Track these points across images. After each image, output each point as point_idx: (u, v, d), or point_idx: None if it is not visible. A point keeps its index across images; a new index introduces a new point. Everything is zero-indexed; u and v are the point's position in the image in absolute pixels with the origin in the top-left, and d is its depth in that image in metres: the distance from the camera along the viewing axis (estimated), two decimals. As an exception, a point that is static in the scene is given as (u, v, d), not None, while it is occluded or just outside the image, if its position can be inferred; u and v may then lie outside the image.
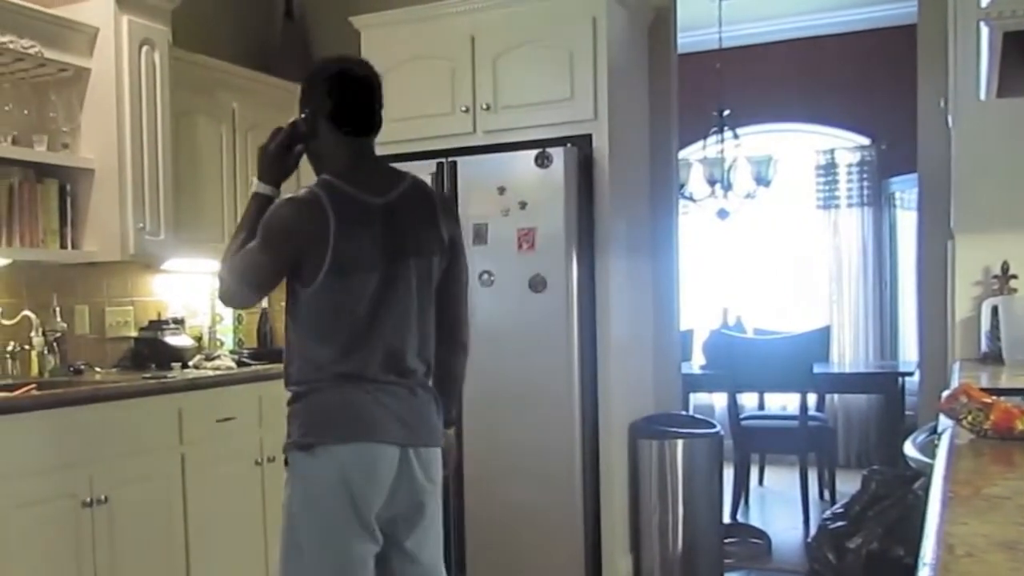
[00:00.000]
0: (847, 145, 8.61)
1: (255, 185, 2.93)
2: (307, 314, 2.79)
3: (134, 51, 4.73)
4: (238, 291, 2.88)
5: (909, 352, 8.26)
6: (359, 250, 2.74)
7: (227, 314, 5.71)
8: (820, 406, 7.53)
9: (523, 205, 4.78)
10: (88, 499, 3.95)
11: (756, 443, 6.94)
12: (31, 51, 4.41)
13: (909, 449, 3.10)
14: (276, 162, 2.91)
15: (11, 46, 4.33)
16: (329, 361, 2.76)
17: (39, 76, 4.65)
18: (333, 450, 2.72)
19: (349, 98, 2.86)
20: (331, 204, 2.73)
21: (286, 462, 2.83)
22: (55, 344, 4.71)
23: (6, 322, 4.53)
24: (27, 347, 4.62)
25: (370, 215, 2.78)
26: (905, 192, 8.28)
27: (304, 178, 3.00)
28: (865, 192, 8.56)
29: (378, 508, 2.77)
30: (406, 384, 2.82)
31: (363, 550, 2.77)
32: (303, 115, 2.87)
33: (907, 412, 7.10)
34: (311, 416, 2.78)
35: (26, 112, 4.61)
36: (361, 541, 2.76)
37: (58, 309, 4.78)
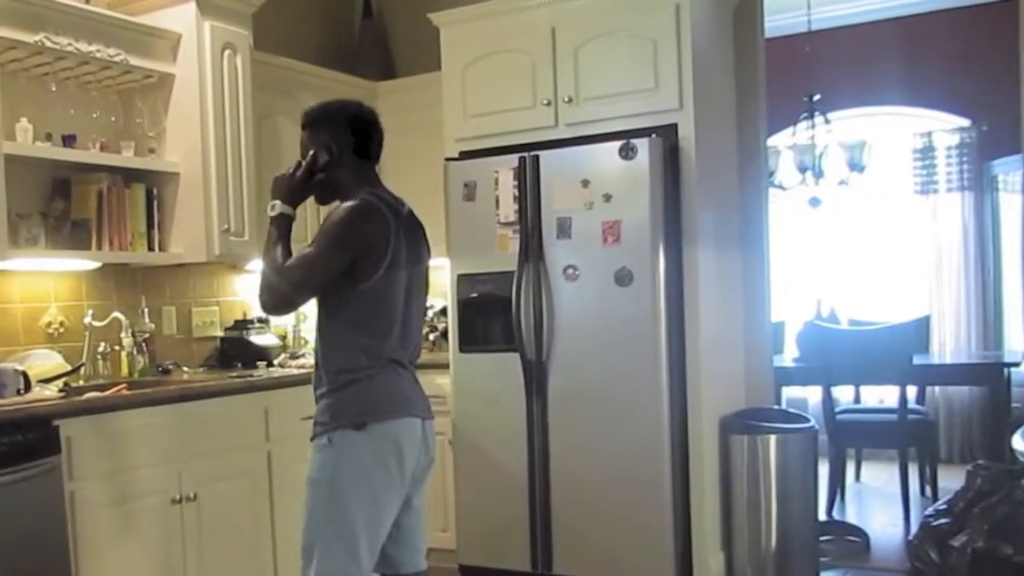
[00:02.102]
0: (945, 127, 8.48)
1: (279, 207, 3.35)
2: (359, 307, 3.23)
3: (216, 56, 4.89)
4: (293, 297, 3.27)
5: (1014, 341, 8.18)
6: (401, 250, 3.27)
7: (311, 313, 5.84)
8: (920, 399, 7.45)
9: (607, 198, 4.80)
10: (177, 496, 4.11)
11: (852, 438, 6.86)
12: (117, 59, 4.58)
13: (1018, 442, 3.07)
14: (302, 188, 3.38)
15: (98, 55, 4.50)
16: (382, 347, 3.26)
17: (125, 83, 4.82)
18: (388, 425, 3.24)
19: (370, 132, 3.43)
20: (386, 209, 3.27)
21: (329, 441, 3.21)
22: (144, 344, 4.88)
23: (97, 324, 4.72)
24: (117, 348, 4.80)
25: (400, 223, 3.30)
26: (1008, 175, 8.17)
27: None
28: (965, 175, 8.43)
29: (413, 470, 3.31)
30: (413, 367, 3.41)
31: (397, 506, 3.32)
32: (329, 147, 3.34)
33: (1013, 404, 7.02)
34: (368, 397, 3.24)
35: (113, 119, 4.78)
36: (399, 498, 3.31)
37: (146, 310, 4.96)
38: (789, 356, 7.44)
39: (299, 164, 3.36)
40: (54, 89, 4.52)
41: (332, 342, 3.29)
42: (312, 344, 5.70)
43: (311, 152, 3.34)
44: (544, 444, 4.98)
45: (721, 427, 5.09)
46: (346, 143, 3.36)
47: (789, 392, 7.83)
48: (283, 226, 3.32)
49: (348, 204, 3.24)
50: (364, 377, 3.23)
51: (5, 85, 4.12)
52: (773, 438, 5.02)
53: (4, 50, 4.16)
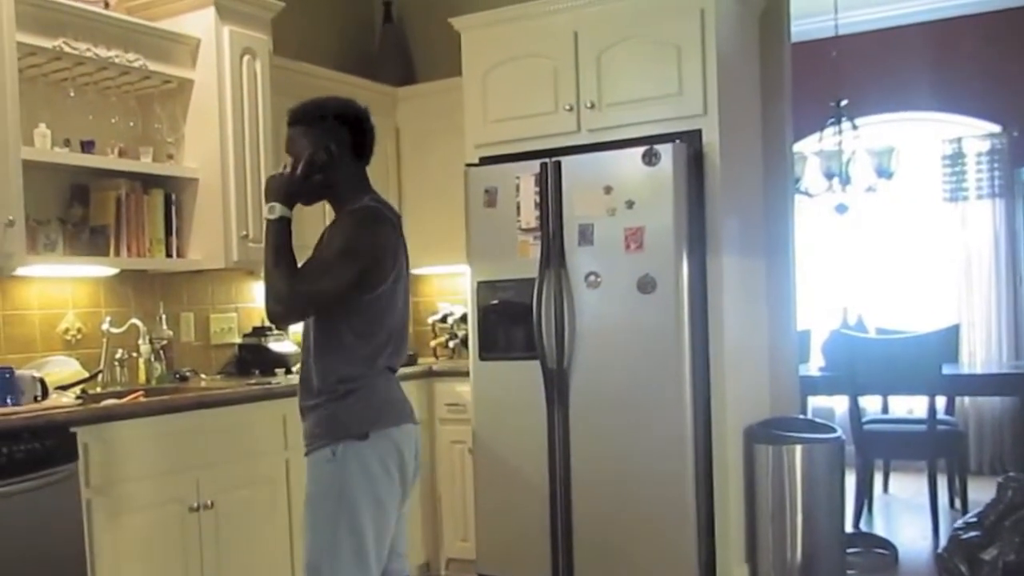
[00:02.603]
0: (975, 133, 8.44)
1: (278, 210, 3.22)
2: (365, 317, 3.21)
3: (235, 61, 4.91)
4: (306, 307, 3.20)
5: (1046, 351, 8.13)
6: (402, 258, 3.33)
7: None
8: (949, 409, 7.40)
9: (630, 204, 4.79)
10: (195, 504, 4.12)
11: (880, 449, 6.83)
12: (136, 64, 4.61)
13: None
14: (301, 189, 3.27)
15: (116, 60, 4.53)
16: (380, 356, 3.26)
17: (144, 88, 4.84)
18: (389, 432, 3.24)
19: (366, 131, 3.36)
20: (391, 215, 3.30)
21: (333, 454, 3.18)
22: (161, 351, 4.91)
23: (115, 330, 4.74)
24: (135, 354, 4.82)
25: (399, 230, 3.33)
26: (1041, 181, 8.13)
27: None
28: (996, 182, 8.38)
29: (409, 476, 3.36)
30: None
31: (397, 514, 3.34)
32: (327, 148, 3.25)
33: (1045, 415, 6.99)
34: (369, 405, 3.24)
35: (132, 124, 4.81)
36: (401, 505, 3.35)
37: (164, 317, 4.98)
38: (815, 365, 7.40)
39: (295, 164, 3.25)
40: (72, 95, 4.54)
41: (333, 352, 3.22)
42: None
43: (308, 151, 3.24)
44: (565, 453, 4.96)
45: (746, 437, 5.07)
46: (344, 142, 3.29)
47: (815, 402, 7.77)
48: (285, 230, 3.21)
49: (358, 210, 3.23)
50: (363, 386, 3.22)
51: (24, 91, 4.13)
52: (799, 448, 5.00)
53: (23, 56, 4.18)
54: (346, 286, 3.13)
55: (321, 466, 3.21)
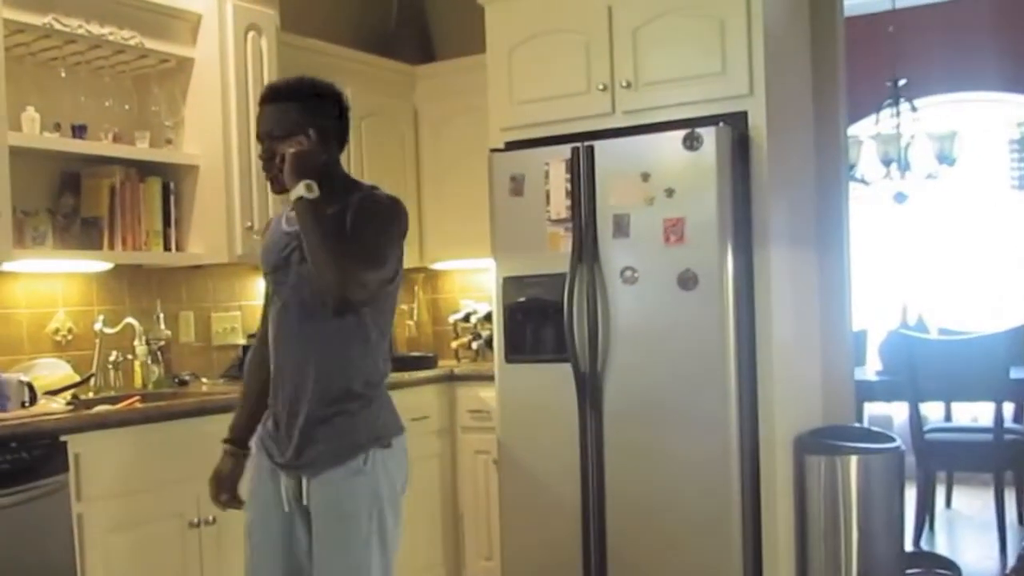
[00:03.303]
0: (1047, 115, 8.41)
1: (315, 189, 3.12)
2: (388, 310, 3.34)
3: (239, 38, 4.90)
4: (371, 286, 3.17)
5: (1124, 354, 8.04)
6: None
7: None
8: (1018, 417, 7.34)
9: (670, 193, 4.76)
10: (195, 519, 4.11)
11: (943, 460, 6.81)
12: (131, 42, 4.61)
13: None
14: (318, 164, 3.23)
15: (110, 38, 4.53)
16: (389, 356, 3.38)
17: (140, 68, 4.85)
18: (402, 439, 3.34)
19: (348, 119, 3.41)
20: None
21: (364, 463, 3.20)
22: (159, 353, 4.91)
23: (108, 330, 4.74)
24: (130, 357, 4.83)
25: None
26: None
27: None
28: (1069, 169, 8.35)
29: None
30: None
31: None
32: (324, 129, 3.27)
33: None
34: (391, 410, 3.35)
35: (127, 107, 4.82)
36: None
37: (162, 316, 4.98)
38: (872, 369, 7.40)
39: (307, 142, 3.22)
40: (63, 75, 4.55)
41: (357, 351, 3.23)
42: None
43: (310, 130, 3.21)
44: (599, 464, 4.94)
45: (796, 447, 5.05)
46: (337, 127, 3.34)
47: (872, 409, 7.78)
48: (321, 210, 3.15)
49: (384, 195, 3.31)
50: (385, 389, 3.33)
51: (10, 71, 4.14)
52: (854, 459, 4.97)
53: (10, 33, 4.19)
54: (394, 273, 3.27)
55: (351, 480, 3.20)
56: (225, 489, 3.44)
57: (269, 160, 3.24)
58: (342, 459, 3.19)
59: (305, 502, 3.23)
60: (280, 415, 3.26)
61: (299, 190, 3.11)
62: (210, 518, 4.14)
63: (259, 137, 3.27)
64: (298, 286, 3.22)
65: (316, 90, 3.30)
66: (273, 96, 3.28)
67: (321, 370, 3.22)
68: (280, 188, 3.23)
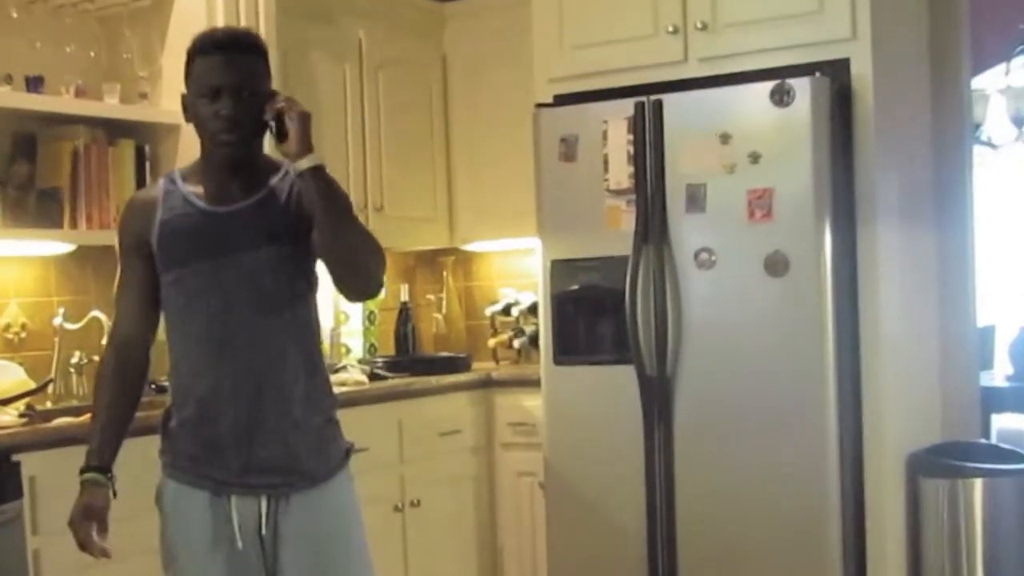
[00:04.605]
0: None
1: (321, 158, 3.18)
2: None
3: (229, -31, 4.86)
4: None
5: None
6: None
7: (355, 312, 5.82)
8: None
9: (755, 158, 4.75)
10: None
11: (1088, 483, 6.75)
12: (99, -24, 4.60)
13: None
14: None
15: (74, -28, 4.52)
16: None
17: (109, 8, 4.87)
18: None
19: None
20: None
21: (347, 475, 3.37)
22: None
23: (69, 326, 4.73)
24: (96, 358, 4.77)
25: None
26: None
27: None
28: None
29: None
30: None
31: None
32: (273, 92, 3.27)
33: None
34: None
35: (93, 55, 4.84)
36: None
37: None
38: (1001, 373, 7.40)
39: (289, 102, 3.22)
40: (15, 16, 4.57)
41: (319, 344, 3.42)
42: (356, 354, 5.75)
43: (272, 91, 3.23)
44: (668, 487, 4.95)
45: (909, 466, 5.04)
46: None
47: (1001, 421, 7.68)
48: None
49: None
50: None
51: (-48, 12, 4.13)
52: (979, 482, 4.98)
53: (-51, -35, 4.17)
54: None
55: (348, 490, 3.34)
56: (104, 528, 3.27)
57: (238, 119, 3.17)
58: (336, 469, 3.30)
59: (264, 531, 3.21)
60: (236, 431, 3.22)
61: (314, 158, 3.13)
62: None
63: (222, 90, 3.18)
64: (255, 274, 3.20)
65: (264, 46, 3.32)
66: (236, 44, 3.24)
67: (301, 368, 3.26)
68: (239, 152, 3.21)
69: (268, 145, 3.25)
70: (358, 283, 3.21)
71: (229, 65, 3.18)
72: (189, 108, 3.26)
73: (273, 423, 3.20)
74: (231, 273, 3.19)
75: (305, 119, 3.15)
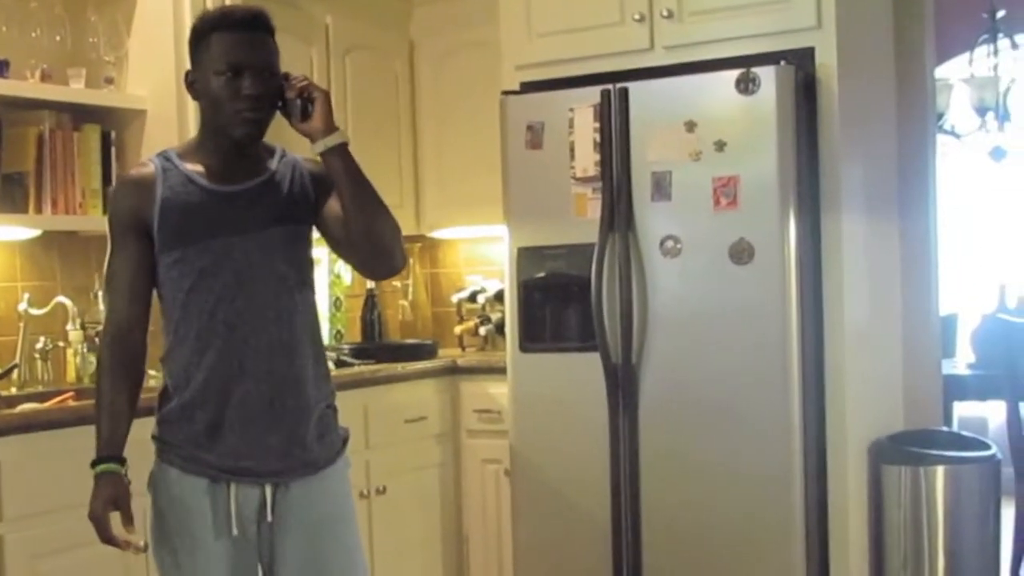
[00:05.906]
0: None
1: (347, 135, 3.20)
2: None
3: (195, -48, 4.85)
4: None
5: None
6: None
7: (321, 299, 5.80)
8: None
9: (720, 146, 4.76)
10: (142, 542, 4.02)
11: (1049, 471, 6.79)
12: (62, -44, 4.58)
13: None
14: None
15: (37, -52, 4.50)
16: None
17: (75, -11, 4.83)
18: None
19: None
20: None
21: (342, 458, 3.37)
22: (97, 340, 4.83)
23: (34, 311, 4.72)
24: (61, 344, 4.81)
25: None
26: None
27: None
28: None
29: None
30: None
31: None
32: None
33: None
34: None
35: (58, 38, 4.81)
36: None
37: (100, 294, 4.91)
38: (963, 361, 7.42)
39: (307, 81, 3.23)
40: (-23, -2, 4.54)
41: (320, 333, 3.42)
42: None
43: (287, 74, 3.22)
44: (633, 475, 4.95)
45: (872, 454, 5.07)
46: None
47: (963, 409, 7.79)
48: None
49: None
50: None
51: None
52: (941, 469, 5.00)
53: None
54: None
55: (345, 477, 3.36)
56: (130, 519, 3.20)
57: (261, 97, 3.14)
58: (336, 456, 3.32)
59: (267, 518, 3.19)
60: (243, 414, 3.17)
61: (340, 135, 3.16)
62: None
63: (244, 69, 3.13)
64: (267, 253, 3.17)
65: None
66: (258, 23, 3.20)
67: (310, 352, 3.26)
68: (259, 131, 3.18)
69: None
70: (386, 261, 3.21)
71: (253, 44, 3.15)
72: (199, 85, 3.19)
73: (282, 406, 3.18)
74: (241, 253, 3.15)
75: (327, 98, 3.17)
